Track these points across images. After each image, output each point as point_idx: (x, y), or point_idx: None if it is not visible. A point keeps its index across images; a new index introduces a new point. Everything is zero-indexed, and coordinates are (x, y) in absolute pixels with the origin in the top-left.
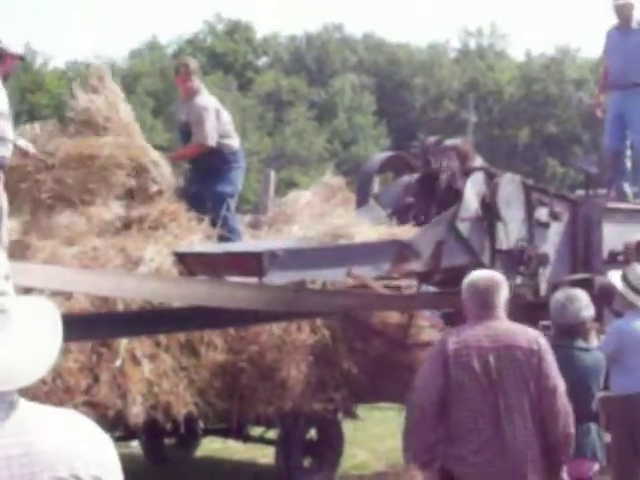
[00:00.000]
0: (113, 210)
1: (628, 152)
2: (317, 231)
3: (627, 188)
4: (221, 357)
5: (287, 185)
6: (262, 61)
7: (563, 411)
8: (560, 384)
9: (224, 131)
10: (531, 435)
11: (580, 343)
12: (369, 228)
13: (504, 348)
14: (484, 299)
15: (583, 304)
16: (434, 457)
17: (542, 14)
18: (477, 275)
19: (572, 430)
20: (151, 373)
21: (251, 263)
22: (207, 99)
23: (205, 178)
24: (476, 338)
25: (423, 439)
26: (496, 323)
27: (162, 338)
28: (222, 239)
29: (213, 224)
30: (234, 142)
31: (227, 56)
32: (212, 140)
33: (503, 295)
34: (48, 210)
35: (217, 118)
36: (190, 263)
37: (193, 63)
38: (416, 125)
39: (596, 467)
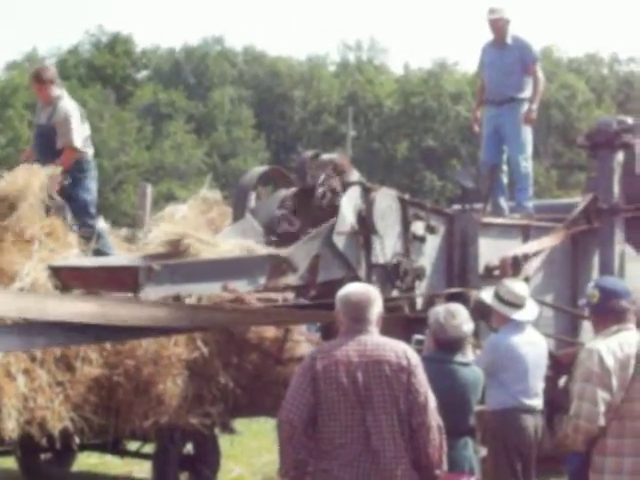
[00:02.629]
0: None
1: (504, 167)
2: None
3: (503, 203)
4: (97, 372)
5: (166, 198)
6: (141, 74)
7: (434, 427)
8: (431, 399)
9: (85, 139)
10: (401, 450)
11: (459, 358)
12: None
13: (373, 363)
14: (356, 313)
15: (464, 319)
16: (304, 473)
17: (420, 28)
18: (351, 288)
19: (444, 445)
20: (26, 388)
21: (127, 277)
22: (71, 103)
23: (65, 187)
24: (345, 353)
25: (293, 455)
26: (366, 337)
27: (37, 353)
28: (98, 253)
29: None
30: (91, 151)
31: (106, 69)
32: (78, 142)
33: (376, 310)
34: None
35: (81, 123)
36: (65, 277)
37: (51, 70)
38: (295, 138)
39: None
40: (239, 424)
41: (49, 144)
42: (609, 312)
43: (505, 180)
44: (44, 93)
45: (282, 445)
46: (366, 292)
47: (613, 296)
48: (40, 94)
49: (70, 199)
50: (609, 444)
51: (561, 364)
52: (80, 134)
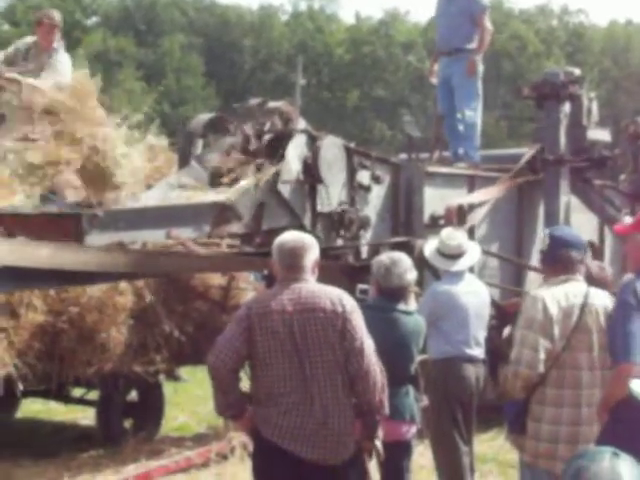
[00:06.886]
0: None
1: (459, 116)
2: None
3: (461, 151)
4: (41, 318)
5: None
6: (91, 21)
7: (372, 371)
8: (368, 344)
9: None
10: (340, 397)
11: (402, 306)
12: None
13: (307, 311)
14: (290, 261)
15: (407, 267)
16: (241, 410)
17: None
18: (286, 237)
19: (384, 390)
20: None
21: (70, 224)
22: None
23: None
24: (280, 302)
25: (223, 399)
26: (301, 285)
27: None
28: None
29: None
30: None
31: None
32: None
33: (311, 257)
34: None
35: None
36: (8, 223)
37: (58, 16)
38: (245, 87)
39: (414, 429)
40: (184, 372)
41: None
42: (557, 261)
43: (461, 129)
44: (47, 38)
45: (213, 388)
46: (300, 240)
47: (562, 245)
48: (43, 37)
49: None
50: (548, 393)
51: (506, 314)
52: None
